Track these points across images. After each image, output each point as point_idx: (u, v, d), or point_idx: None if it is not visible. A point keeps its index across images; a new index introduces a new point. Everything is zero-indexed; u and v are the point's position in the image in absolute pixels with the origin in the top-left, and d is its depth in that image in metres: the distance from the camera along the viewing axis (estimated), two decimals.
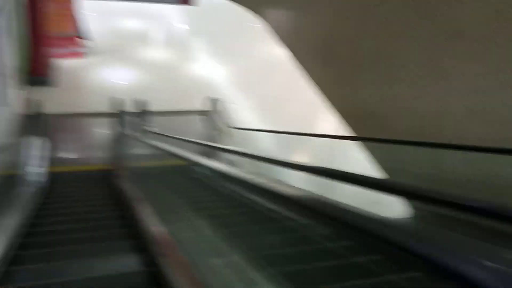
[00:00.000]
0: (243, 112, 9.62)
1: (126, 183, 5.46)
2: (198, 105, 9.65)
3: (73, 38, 10.93)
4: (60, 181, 6.48)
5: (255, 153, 3.52)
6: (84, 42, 11.28)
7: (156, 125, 7.40)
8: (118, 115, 7.59)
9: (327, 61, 4.25)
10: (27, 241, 3.71)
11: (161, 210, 3.84)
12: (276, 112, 9.93)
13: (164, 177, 5.36)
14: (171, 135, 5.41)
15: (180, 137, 5.47)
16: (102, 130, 8.40)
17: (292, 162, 2.37)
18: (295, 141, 6.43)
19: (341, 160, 4.42)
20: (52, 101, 9.04)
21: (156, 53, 12.32)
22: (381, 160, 3.39)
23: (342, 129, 4.62)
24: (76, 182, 6.41)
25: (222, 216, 4.04)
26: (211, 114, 8.35)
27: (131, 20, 14.24)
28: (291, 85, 9.70)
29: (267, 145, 7.34)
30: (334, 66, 4.00)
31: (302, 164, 2.18)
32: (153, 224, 3.57)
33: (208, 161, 2.47)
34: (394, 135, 3.12)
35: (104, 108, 8.95)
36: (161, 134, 5.88)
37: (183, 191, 4.52)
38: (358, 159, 4.00)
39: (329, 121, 8.11)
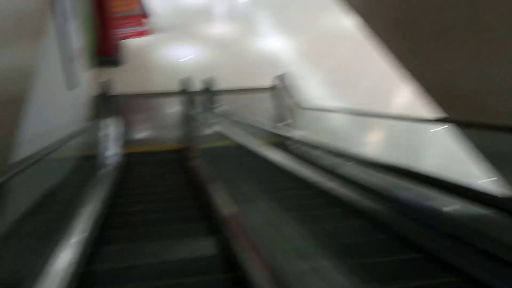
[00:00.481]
0: (312, 87, 9.47)
1: (198, 163, 5.59)
2: (265, 82, 9.63)
3: (138, 16, 11.23)
4: (133, 161, 6.77)
5: (338, 149, 3.37)
6: (149, 20, 11.56)
7: (223, 104, 7.49)
8: (186, 94, 7.75)
9: (409, 32, 4.02)
10: (107, 222, 3.92)
11: (233, 191, 3.89)
12: (346, 86, 9.68)
13: (235, 158, 5.41)
14: (240, 119, 5.43)
15: (250, 122, 5.48)
16: (171, 110, 8.65)
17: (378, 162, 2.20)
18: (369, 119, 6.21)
19: (425, 143, 4.20)
20: (120, 81, 9.42)
21: (221, 29, 12.37)
22: (480, 147, 3.13)
23: (423, 106, 4.39)
24: (148, 162, 6.68)
25: (296, 198, 4.01)
26: (279, 91, 8.32)
27: None
28: (362, 57, 9.39)
29: (338, 123, 7.17)
30: (417, 38, 3.77)
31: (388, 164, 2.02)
32: (225, 206, 3.64)
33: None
34: (493, 118, 2.88)
35: (172, 87, 9.19)
36: (230, 117, 5.93)
37: (256, 173, 4.54)
38: (446, 142, 3.77)
39: (406, 96, 7.79)
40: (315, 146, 4.42)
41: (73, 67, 6.53)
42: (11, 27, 3.50)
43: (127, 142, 7.41)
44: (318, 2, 13.13)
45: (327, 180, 3.67)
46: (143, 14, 11.35)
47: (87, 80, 8.73)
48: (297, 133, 6.87)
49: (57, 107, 5.50)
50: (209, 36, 11.81)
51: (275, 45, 11.69)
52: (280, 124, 7.45)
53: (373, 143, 6.61)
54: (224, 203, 3.72)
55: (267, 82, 9.65)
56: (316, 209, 3.24)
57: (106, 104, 7.03)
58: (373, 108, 7.38)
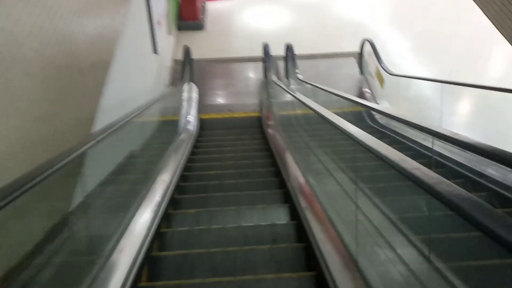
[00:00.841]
0: (399, 52, 9.01)
1: (275, 131, 5.62)
2: (348, 47, 9.32)
3: None
4: (210, 127, 6.96)
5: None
6: None
7: (304, 70, 7.38)
8: (265, 60, 7.74)
9: None
10: (185, 185, 4.11)
11: (309, 160, 3.87)
12: (435, 51, 9.10)
13: (314, 127, 5.36)
14: (319, 86, 5.32)
15: (330, 90, 5.33)
16: (250, 76, 8.71)
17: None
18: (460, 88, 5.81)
19: None
20: (202, 45, 9.62)
21: None
22: None
23: None
24: (225, 129, 6.84)
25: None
26: (363, 57, 8.03)
27: None
28: (453, 18, 8.74)
29: (427, 92, 6.81)
30: None
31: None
32: (299, 176, 3.66)
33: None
34: None
35: (252, 52, 9.23)
36: (309, 83, 5.83)
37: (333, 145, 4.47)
38: None
39: (502, 61, 7.17)
40: (401, 120, 4.22)
41: (159, 31, 6.76)
42: None
43: (207, 107, 7.60)
44: None
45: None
46: None
47: (171, 44, 9.02)
48: (382, 104, 6.64)
49: (143, 71, 5.77)
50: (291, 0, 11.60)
51: (358, 6, 11.22)
52: (366, 91, 7.24)
53: (465, 115, 6.21)
54: (296, 173, 3.75)
55: (351, 47, 9.36)
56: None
57: (185, 69, 7.23)
58: (464, 75, 6.91)
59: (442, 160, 4.17)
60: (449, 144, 2.30)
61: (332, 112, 3.26)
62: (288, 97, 5.81)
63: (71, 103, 2.98)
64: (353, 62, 8.92)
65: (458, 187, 1.15)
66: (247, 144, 5.93)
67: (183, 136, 5.88)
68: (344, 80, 8.31)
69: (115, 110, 3.60)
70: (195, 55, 9.15)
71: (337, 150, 3.07)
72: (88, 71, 3.33)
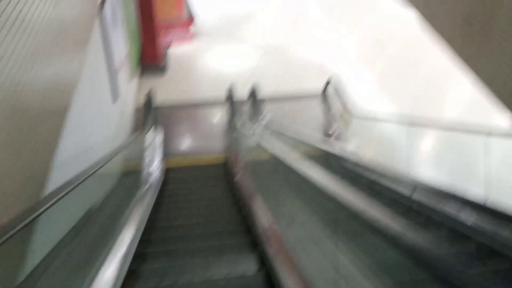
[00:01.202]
0: (361, 92, 9.18)
1: (242, 177, 5.55)
2: (313, 87, 9.41)
3: (183, 22, 11.42)
4: (175, 175, 6.85)
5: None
6: (193, 25, 11.71)
7: (268, 112, 7.41)
8: (229, 103, 7.75)
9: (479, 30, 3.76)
10: (148, 237, 3.96)
11: (277, 207, 3.81)
12: (398, 89, 9.33)
13: (282, 171, 5.33)
14: (284, 131, 5.33)
15: (294, 134, 5.30)
16: (215, 119, 8.69)
17: None
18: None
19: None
20: (164, 90, 9.58)
21: (266, 33, 12.33)
22: None
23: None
24: (191, 176, 6.74)
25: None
26: (326, 98, 8.15)
27: None
28: (415, 56, 9.01)
29: (391, 132, 6.91)
30: (491, 37, 3.54)
31: None
32: (268, 222, 3.59)
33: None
34: None
35: (216, 95, 9.22)
36: (275, 128, 5.84)
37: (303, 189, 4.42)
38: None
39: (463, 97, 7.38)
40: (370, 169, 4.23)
41: (119, 77, 6.68)
42: (56, 37, 3.56)
43: (171, 153, 7.49)
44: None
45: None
46: (189, 20, 11.52)
47: (133, 90, 8.94)
48: (346, 147, 6.70)
49: (102, 120, 5.64)
50: (254, 41, 11.80)
51: (322, 46, 11.50)
52: (330, 133, 7.30)
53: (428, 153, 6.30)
54: (264, 219, 3.67)
55: (316, 87, 9.47)
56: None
57: (149, 114, 7.16)
58: (426, 113, 7.03)
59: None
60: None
61: (298, 155, 3.24)
62: (253, 142, 5.79)
63: (21, 160, 2.78)
64: (318, 103, 9.05)
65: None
66: (214, 191, 5.83)
67: (146, 186, 5.72)
68: (310, 121, 8.40)
69: (73, 164, 3.49)
70: (159, 100, 9.10)
71: (304, 196, 3.03)
72: (41, 122, 3.18)
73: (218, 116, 8.73)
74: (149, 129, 7.17)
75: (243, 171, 5.80)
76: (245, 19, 13.14)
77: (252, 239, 3.74)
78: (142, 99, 8.16)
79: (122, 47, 7.19)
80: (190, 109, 9.01)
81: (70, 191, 2.40)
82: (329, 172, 2.35)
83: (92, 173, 3.05)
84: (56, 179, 3.10)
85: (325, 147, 4.65)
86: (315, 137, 6.24)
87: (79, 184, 2.60)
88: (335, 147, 6.66)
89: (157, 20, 9.98)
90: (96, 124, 5.23)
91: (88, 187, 3.06)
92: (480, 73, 3.65)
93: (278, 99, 9.23)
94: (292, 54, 11.11)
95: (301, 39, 11.94)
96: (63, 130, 3.67)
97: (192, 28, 11.69)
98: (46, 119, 3.30)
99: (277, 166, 4.61)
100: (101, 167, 3.44)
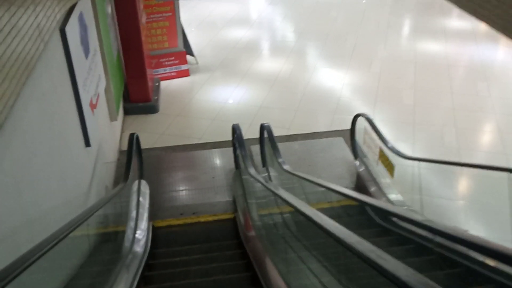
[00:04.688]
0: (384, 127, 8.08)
1: (257, 247, 4.32)
2: (329, 125, 8.45)
3: (176, 54, 10.37)
4: (167, 241, 5.58)
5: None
6: (188, 58, 10.69)
7: (281, 156, 6.18)
8: (236, 146, 6.57)
9: None
10: None
11: None
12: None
13: (306, 231, 4.11)
14: (313, 180, 4.19)
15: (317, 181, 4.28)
16: (217, 165, 7.46)
17: None
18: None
19: None
20: (155, 131, 8.45)
21: (271, 64, 11.35)
22: None
23: None
24: (188, 243, 5.42)
25: None
26: (354, 136, 6.95)
27: (236, 29, 13.58)
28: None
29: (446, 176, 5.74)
30: None
31: None
32: None
33: None
34: None
35: (217, 136, 8.11)
36: (300, 176, 4.67)
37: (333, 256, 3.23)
38: None
39: None
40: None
41: (95, 116, 5.52)
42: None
43: (162, 211, 6.25)
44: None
45: None
46: (183, 52, 10.48)
47: (116, 132, 7.78)
48: (391, 196, 5.46)
49: (68, 173, 4.41)
50: (258, 73, 10.75)
51: (336, 77, 10.49)
52: (368, 180, 6.04)
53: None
54: None
55: (335, 124, 8.45)
56: None
57: (131, 163, 5.86)
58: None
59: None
60: None
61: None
62: (266, 192, 4.62)
63: None
64: (340, 142, 7.90)
65: None
66: (219, 268, 4.52)
67: (129, 258, 4.48)
68: (334, 165, 7.18)
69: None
70: (149, 143, 7.96)
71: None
72: None
73: (221, 160, 7.52)
74: (133, 181, 5.96)
75: (259, 238, 4.58)
76: (248, 49, 12.19)
77: None
78: (126, 143, 6.96)
79: (99, 80, 6.04)
80: (187, 153, 7.78)
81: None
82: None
83: (48, 249, 2.25)
84: None
85: (366, 198, 3.48)
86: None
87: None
88: (378, 198, 5.44)
89: (146, 51, 8.91)
90: (56, 178, 4.00)
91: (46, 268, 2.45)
92: None
93: (291, 138, 8.09)
94: (304, 87, 10.02)
95: (313, 71, 10.93)
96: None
97: (188, 60, 10.65)
98: None
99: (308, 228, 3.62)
100: (59, 240, 2.45)
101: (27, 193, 3.15)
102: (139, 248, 4.89)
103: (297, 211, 3.07)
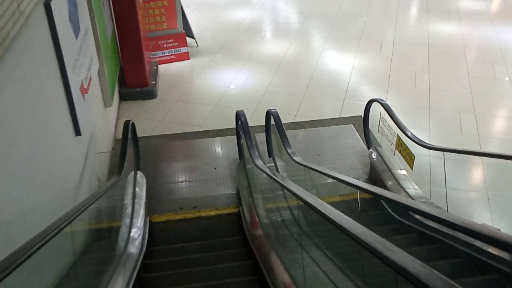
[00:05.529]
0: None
1: (264, 248, 3.97)
2: (337, 112, 8.09)
3: (177, 36, 9.97)
4: (166, 237, 5.25)
5: None
6: (188, 40, 10.28)
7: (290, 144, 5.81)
8: (240, 134, 6.20)
9: None
10: None
11: None
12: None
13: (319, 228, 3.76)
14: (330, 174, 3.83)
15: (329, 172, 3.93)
16: (219, 154, 7.10)
17: None
18: None
19: None
20: (153, 118, 8.08)
21: (273, 47, 10.94)
22: None
23: None
24: (189, 240, 5.08)
25: None
26: (367, 124, 6.56)
27: (238, 10, 13.16)
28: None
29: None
30: None
31: None
32: None
33: None
34: None
35: (219, 123, 7.74)
36: (314, 169, 4.30)
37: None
38: None
39: None
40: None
41: (86, 102, 5.14)
42: None
43: (161, 204, 5.90)
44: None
45: None
46: (182, 34, 10.07)
47: (111, 119, 7.41)
48: (410, 188, 5.09)
49: (58, 163, 4.06)
50: (262, 57, 10.34)
51: (346, 61, 10.07)
52: (384, 170, 5.66)
53: None
54: None
55: (345, 111, 8.09)
56: None
57: (126, 152, 5.49)
58: None
59: None
60: None
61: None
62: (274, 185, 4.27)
63: None
64: (350, 130, 7.53)
65: None
66: (223, 269, 4.18)
67: (123, 259, 4.14)
68: (345, 155, 6.82)
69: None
70: (146, 131, 7.60)
71: None
72: None
73: (224, 149, 7.16)
74: (129, 172, 5.60)
75: (267, 237, 4.23)
76: (251, 30, 11.77)
77: None
78: (120, 132, 6.60)
79: (91, 62, 5.65)
80: (187, 141, 7.41)
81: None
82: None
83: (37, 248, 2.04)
84: None
85: (387, 194, 3.11)
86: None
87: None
88: (397, 192, 5.07)
89: (143, 32, 8.49)
90: (41, 171, 3.63)
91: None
92: None
93: (298, 126, 7.72)
94: (310, 71, 9.61)
95: (322, 52, 10.52)
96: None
97: (188, 42, 10.24)
98: None
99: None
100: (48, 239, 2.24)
101: (3, 190, 2.79)
102: (137, 243, 4.56)
103: (313, 210, 2.71)
